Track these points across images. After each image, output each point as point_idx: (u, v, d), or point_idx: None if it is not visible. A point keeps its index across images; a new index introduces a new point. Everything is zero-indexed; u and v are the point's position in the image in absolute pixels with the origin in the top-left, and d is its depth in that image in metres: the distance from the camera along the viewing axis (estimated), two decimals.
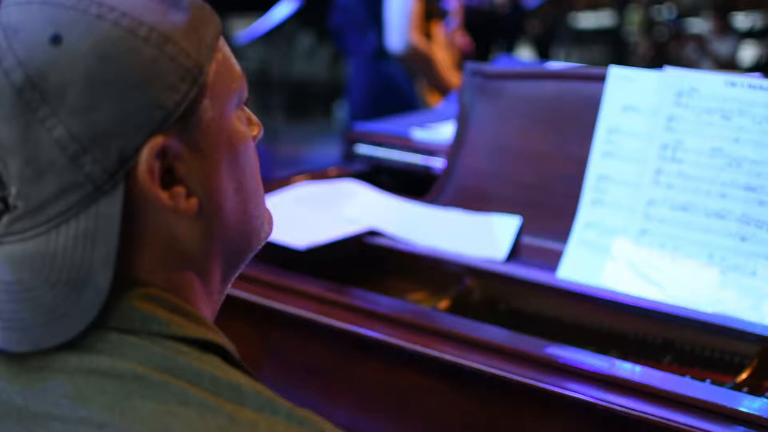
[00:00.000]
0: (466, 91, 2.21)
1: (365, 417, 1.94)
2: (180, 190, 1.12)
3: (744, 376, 1.80)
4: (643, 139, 1.98)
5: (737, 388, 1.78)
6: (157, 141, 1.07)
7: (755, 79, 1.91)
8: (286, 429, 1.05)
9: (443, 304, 2.10)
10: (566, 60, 13.60)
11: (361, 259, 2.24)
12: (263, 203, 1.26)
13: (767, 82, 1.89)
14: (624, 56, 12.44)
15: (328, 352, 1.98)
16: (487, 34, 8.34)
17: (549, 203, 2.10)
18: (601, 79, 2.05)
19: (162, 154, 1.09)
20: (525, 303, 2.13)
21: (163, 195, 1.10)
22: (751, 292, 1.84)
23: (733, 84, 1.91)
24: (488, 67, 2.21)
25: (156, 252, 1.12)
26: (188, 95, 1.09)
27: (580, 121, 2.07)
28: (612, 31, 13.73)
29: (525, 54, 12.09)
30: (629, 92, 2.01)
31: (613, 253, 1.97)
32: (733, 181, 1.88)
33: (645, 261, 1.93)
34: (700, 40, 9.82)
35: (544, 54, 11.97)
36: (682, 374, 1.85)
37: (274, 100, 8.88)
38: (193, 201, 1.13)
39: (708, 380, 1.82)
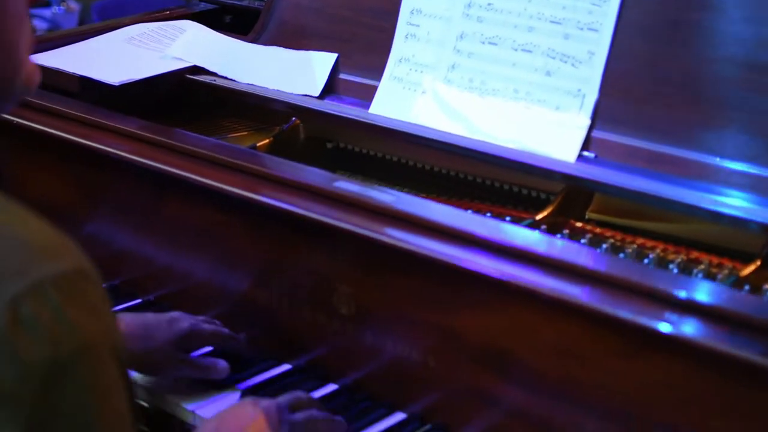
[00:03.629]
0: None
1: (175, 252, 1.82)
2: None
3: (544, 213, 1.68)
4: None
5: (536, 225, 1.66)
6: None
7: None
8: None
9: (265, 142, 1.96)
10: None
11: (186, 97, 2.09)
12: (23, 56, 1.10)
13: None
14: None
15: (138, 189, 1.85)
16: None
17: (366, 38, 1.93)
18: None
19: None
20: (351, 141, 1.99)
21: None
22: (555, 127, 1.70)
23: None
24: None
25: None
26: None
27: None
28: None
29: None
30: None
31: (423, 89, 1.82)
32: (540, 14, 1.72)
33: (453, 96, 1.78)
34: None
35: None
36: (486, 211, 1.73)
37: None
38: None
39: (508, 217, 1.71)
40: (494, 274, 1.43)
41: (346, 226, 1.56)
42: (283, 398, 1.45)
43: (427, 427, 1.57)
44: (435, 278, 1.51)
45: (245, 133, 2.05)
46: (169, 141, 1.76)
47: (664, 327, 1.30)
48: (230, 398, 1.61)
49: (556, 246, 1.51)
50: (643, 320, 1.31)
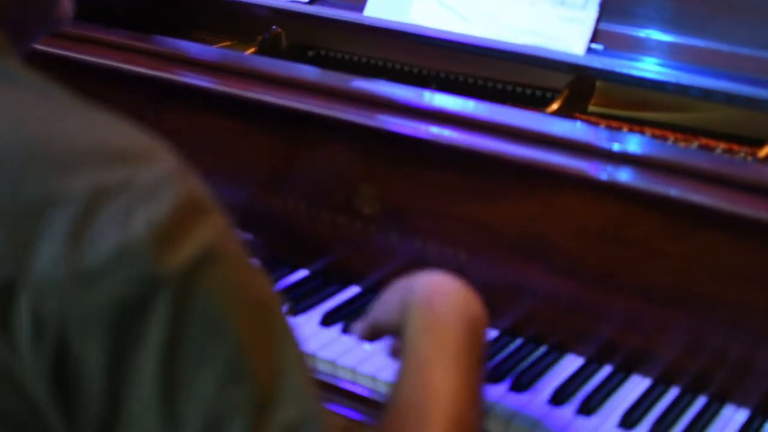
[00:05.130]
0: None
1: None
2: None
3: (554, 107, 1.66)
4: None
5: None
6: None
7: None
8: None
9: (250, 51, 1.89)
10: None
11: (164, 10, 2.00)
12: None
13: None
14: None
15: (134, 101, 1.77)
16: None
17: None
18: None
19: None
20: (334, 47, 1.94)
21: None
22: (561, 21, 1.68)
23: None
24: None
25: None
26: None
27: None
28: None
29: None
30: None
31: None
32: None
33: None
34: None
35: None
36: None
37: None
38: None
39: None
40: (523, 160, 1.42)
41: (368, 122, 1.53)
42: None
43: None
44: (463, 170, 1.50)
45: (228, 43, 1.98)
46: (179, 52, 1.71)
47: (707, 202, 1.30)
48: None
49: (582, 130, 1.51)
50: (679, 196, 1.32)
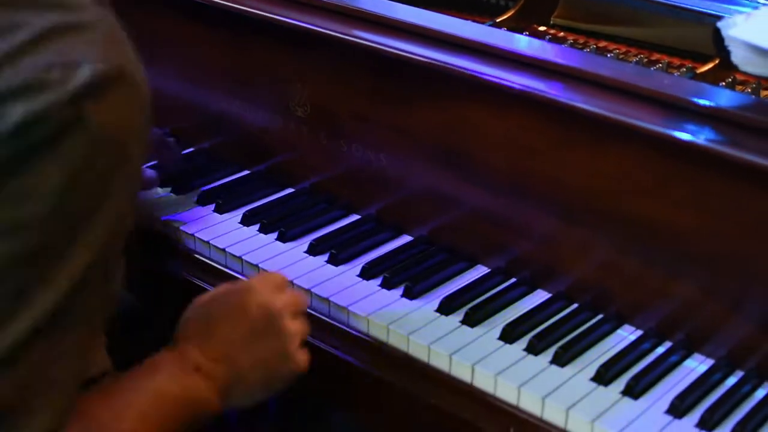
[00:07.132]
0: None
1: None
2: None
3: (504, 17, 1.60)
4: None
5: (496, 27, 1.58)
6: None
7: None
8: None
9: None
10: None
11: None
12: None
13: None
14: None
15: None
16: None
17: None
18: None
19: None
20: None
21: None
22: None
23: None
24: None
25: None
26: None
27: None
28: None
29: None
30: None
31: None
32: None
33: None
34: None
35: None
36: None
37: None
38: None
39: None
40: (434, 65, 1.37)
41: (297, 23, 1.49)
42: None
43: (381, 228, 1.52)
44: (381, 74, 1.45)
45: None
46: None
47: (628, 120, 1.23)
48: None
49: (508, 38, 1.43)
50: (599, 111, 1.24)
